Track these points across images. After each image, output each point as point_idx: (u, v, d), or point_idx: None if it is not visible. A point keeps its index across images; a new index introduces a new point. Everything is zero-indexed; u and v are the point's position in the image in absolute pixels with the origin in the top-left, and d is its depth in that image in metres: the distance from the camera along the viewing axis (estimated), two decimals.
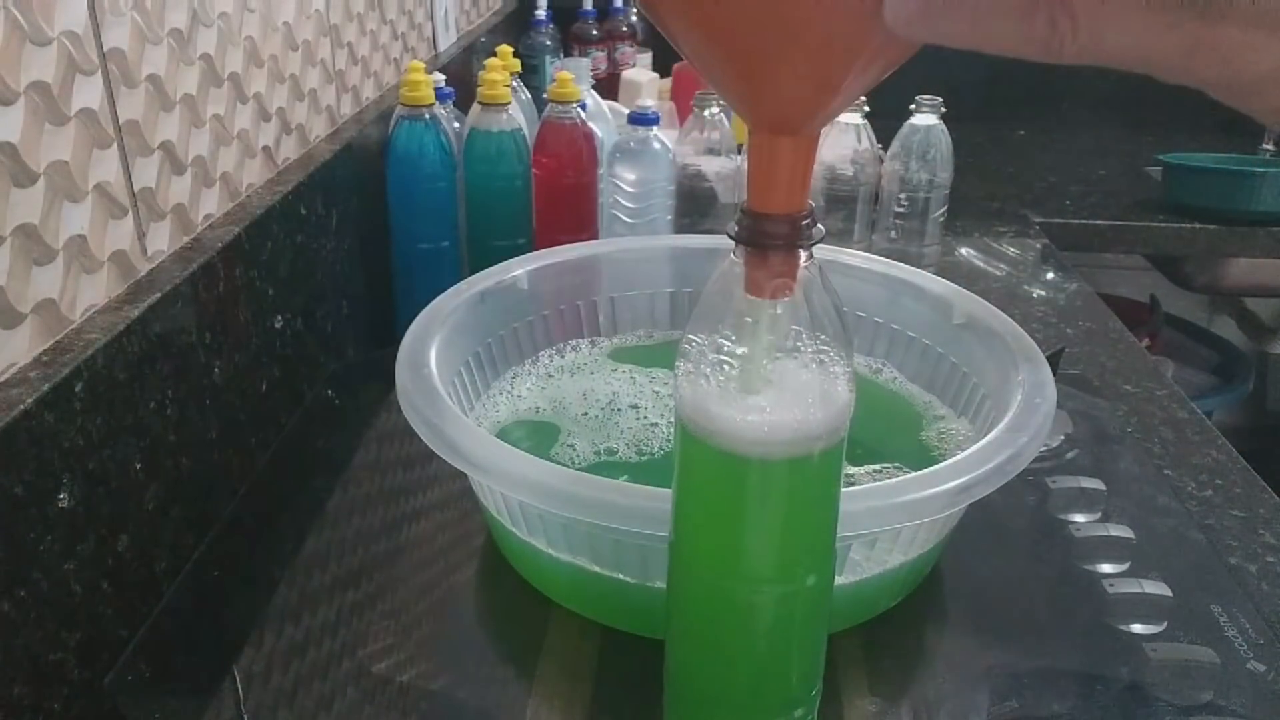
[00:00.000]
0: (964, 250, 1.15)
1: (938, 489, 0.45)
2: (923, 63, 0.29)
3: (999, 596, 0.56)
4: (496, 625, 0.55)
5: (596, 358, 0.72)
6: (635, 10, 1.60)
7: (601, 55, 1.60)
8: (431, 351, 0.56)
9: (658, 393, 0.67)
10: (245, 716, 0.46)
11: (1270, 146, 1.55)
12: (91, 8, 0.49)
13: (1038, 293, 1.04)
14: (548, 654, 0.50)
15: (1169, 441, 0.75)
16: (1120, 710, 0.48)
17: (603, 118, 1.01)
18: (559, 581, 0.52)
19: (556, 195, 0.87)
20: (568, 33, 1.58)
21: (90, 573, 0.47)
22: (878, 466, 0.59)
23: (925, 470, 0.46)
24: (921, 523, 0.47)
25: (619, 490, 0.44)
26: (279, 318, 0.68)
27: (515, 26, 1.61)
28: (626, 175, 0.90)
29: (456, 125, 0.90)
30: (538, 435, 0.63)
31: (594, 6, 1.59)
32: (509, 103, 0.85)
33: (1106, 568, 0.57)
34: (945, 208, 1.02)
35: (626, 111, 0.93)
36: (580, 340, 0.73)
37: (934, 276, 0.69)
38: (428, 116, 0.83)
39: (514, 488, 0.46)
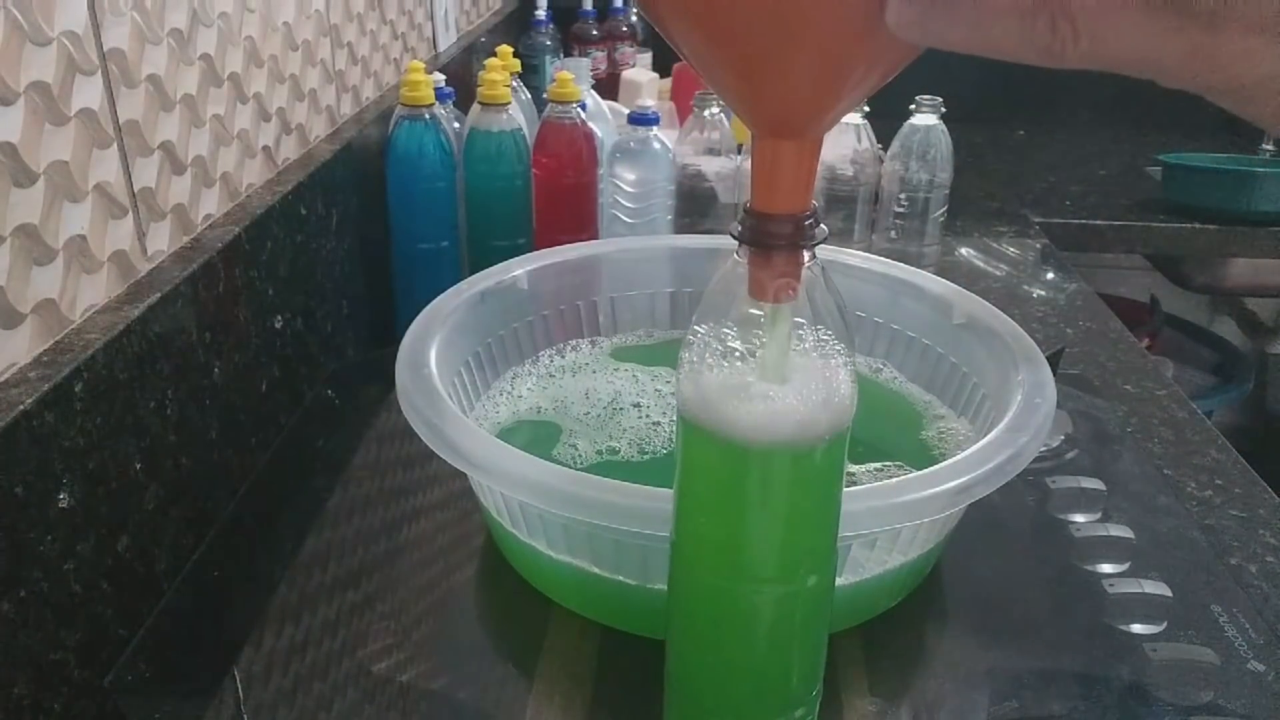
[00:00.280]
0: (964, 250, 1.15)
1: (938, 489, 0.45)
2: (923, 63, 0.29)
3: (999, 596, 0.56)
4: (496, 625, 0.55)
5: (597, 357, 0.72)
6: (635, 10, 1.60)
7: (601, 55, 1.60)
8: (431, 351, 0.56)
9: (659, 391, 0.67)
10: (245, 716, 0.46)
11: (1270, 146, 1.55)
12: (91, 8, 0.49)
13: (1038, 293, 1.04)
14: (548, 654, 0.50)
15: (1169, 441, 0.75)
16: (1120, 710, 0.48)
17: (603, 118, 1.01)
18: (559, 582, 0.52)
19: (556, 195, 0.87)
20: (568, 33, 1.58)
21: (90, 573, 0.47)
22: (878, 465, 0.59)
23: (925, 470, 0.46)
24: (921, 523, 0.47)
25: (619, 490, 0.44)
26: (279, 318, 0.68)
27: (515, 26, 1.61)
28: (626, 175, 0.90)
29: (456, 125, 0.90)
30: (539, 435, 0.63)
31: (594, 6, 1.59)
32: (509, 103, 0.85)
33: (1106, 568, 0.57)
34: (945, 208, 1.02)
35: (626, 111, 0.93)
36: (580, 340, 0.73)
37: (934, 276, 0.69)
38: (428, 116, 0.83)
39: (514, 488, 0.46)
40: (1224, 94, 0.23)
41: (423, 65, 0.83)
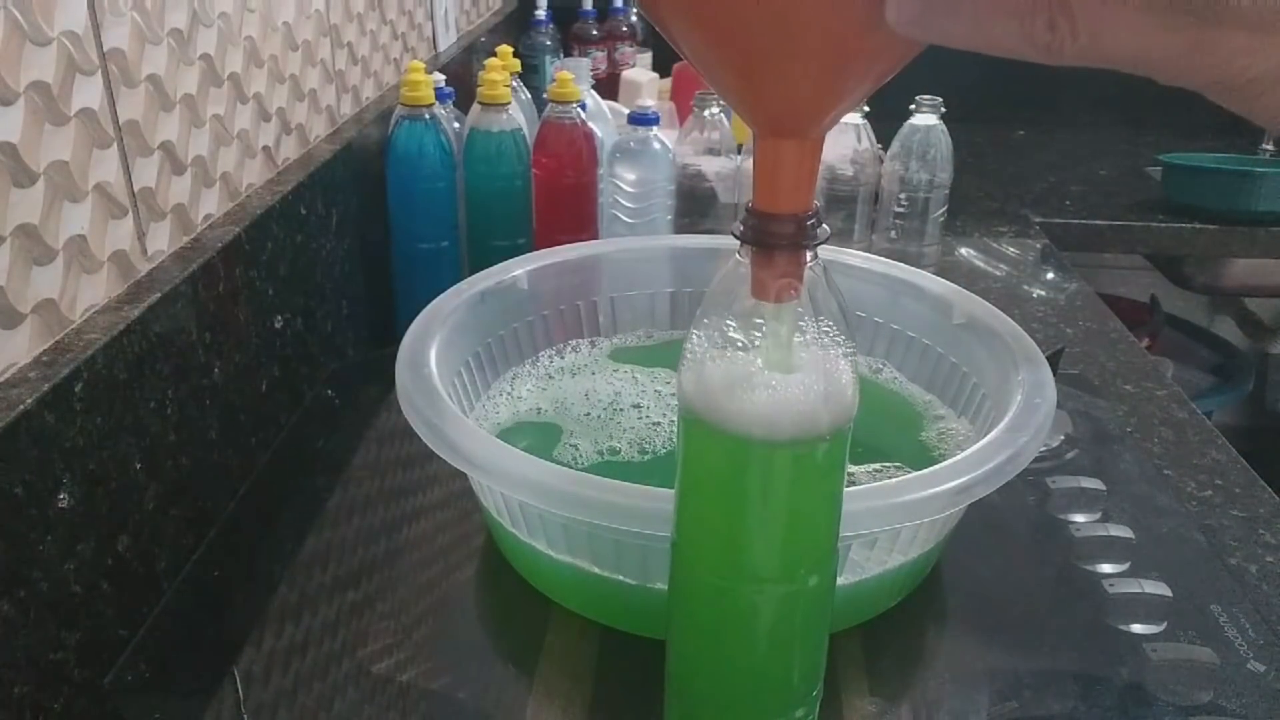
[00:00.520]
0: (964, 250, 1.15)
1: (938, 489, 0.45)
2: (923, 63, 0.29)
3: (999, 596, 0.56)
4: (496, 625, 0.55)
5: (597, 358, 0.72)
6: (635, 10, 1.60)
7: (601, 55, 1.60)
8: (431, 351, 0.56)
9: (659, 392, 0.67)
10: (245, 716, 0.46)
11: (1270, 146, 1.55)
12: (91, 8, 0.49)
13: (1038, 293, 1.04)
14: (548, 654, 0.50)
15: (1169, 441, 0.75)
16: (1120, 710, 0.48)
17: (603, 118, 1.01)
18: (559, 582, 0.52)
19: (556, 195, 0.87)
20: (568, 33, 1.58)
21: (90, 573, 0.47)
22: (878, 465, 0.59)
23: (925, 470, 0.46)
24: (921, 523, 0.47)
25: (619, 490, 0.44)
26: (279, 317, 0.68)
27: (515, 26, 1.61)
28: (626, 175, 0.90)
29: (456, 125, 0.90)
30: (540, 435, 0.63)
31: (594, 6, 1.59)
32: (509, 103, 0.85)
33: (1106, 568, 0.57)
34: (945, 208, 1.02)
35: (626, 111, 0.93)
36: (580, 340, 0.73)
37: (934, 276, 0.69)
38: (428, 116, 0.83)
39: (514, 488, 0.46)
40: (1222, 91, 0.23)
41: (423, 65, 0.83)
